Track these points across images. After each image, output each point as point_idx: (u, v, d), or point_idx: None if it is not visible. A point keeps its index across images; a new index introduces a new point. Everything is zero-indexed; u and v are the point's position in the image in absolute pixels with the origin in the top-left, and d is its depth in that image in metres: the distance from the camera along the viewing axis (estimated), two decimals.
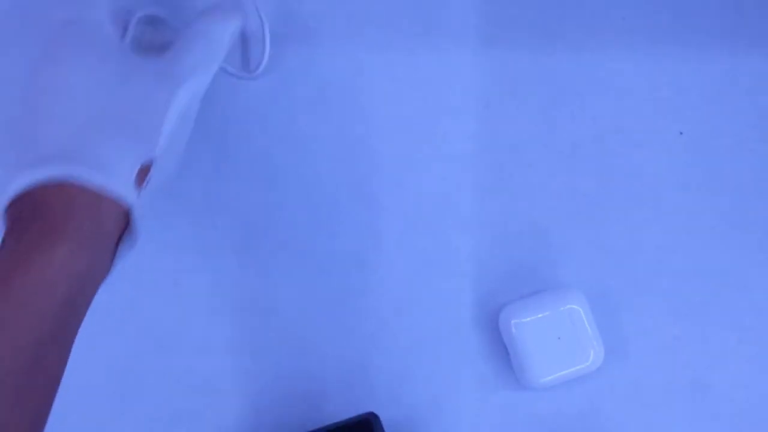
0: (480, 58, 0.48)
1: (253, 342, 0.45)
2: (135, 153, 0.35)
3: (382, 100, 0.47)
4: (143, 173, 0.35)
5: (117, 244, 0.35)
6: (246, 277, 0.46)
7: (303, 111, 0.47)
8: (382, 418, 0.43)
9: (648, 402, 0.47)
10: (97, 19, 0.38)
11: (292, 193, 0.46)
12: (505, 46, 0.48)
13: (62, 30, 0.38)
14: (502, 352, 0.46)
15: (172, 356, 0.45)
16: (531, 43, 0.48)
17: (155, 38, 0.44)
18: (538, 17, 0.48)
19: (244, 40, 0.45)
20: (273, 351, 0.46)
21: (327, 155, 0.46)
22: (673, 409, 0.47)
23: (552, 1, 0.48)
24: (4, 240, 0.32)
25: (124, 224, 0.35)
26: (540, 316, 0.44)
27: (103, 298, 0.35)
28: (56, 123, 0.34)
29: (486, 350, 0.47)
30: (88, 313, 0.34)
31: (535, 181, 0.48)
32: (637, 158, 0.48)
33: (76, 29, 0.38)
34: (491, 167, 0.48)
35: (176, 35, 0.40)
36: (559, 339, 0.44)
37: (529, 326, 0.44)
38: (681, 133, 0.49)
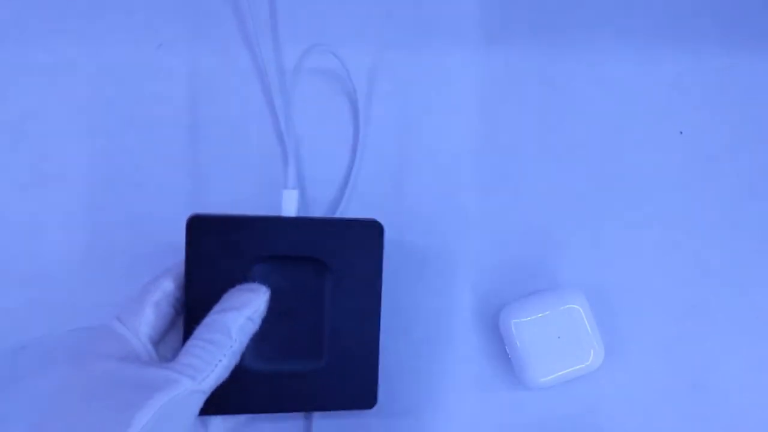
0: (480, 57, 0.48)
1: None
2: None
3: (383, 99, 0.47)
4: None
5: None
6: None
7: (303, 111, 0.47)
8: (382, 417, 0.44)
9: (648, 402, 0.47)
10: (114, 328, 0.37)
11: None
12: (506, 46, 0.48)
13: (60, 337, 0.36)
14: (502, 352, 0.46)
15: None
16: (531, 43, 0.48)
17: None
18: (539, 17, 0.48)
19: None
20: None
21: (327, 155, 0.46)
22: (673, 409, 0.47)
23: (552, 1, 0.48)
24: None
25: None
26: (540, 315, 0.44)
27: None
28: None
29: (486, 350, 0.47)
30: None
31: (535, 181, 0.48)
32: (637, 158, 0.48)
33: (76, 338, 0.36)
34: (491, 167, 0.48)
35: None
36: (559, 339, 0.44)
37: (529, 326, 0.44)
38: (681, 133, 0.49)
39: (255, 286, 0.38)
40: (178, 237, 0.45)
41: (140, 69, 0.45)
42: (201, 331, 0.36)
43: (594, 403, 0.47)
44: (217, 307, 0.37)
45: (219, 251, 0.38)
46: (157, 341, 0.38)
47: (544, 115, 0.48)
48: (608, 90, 0.49)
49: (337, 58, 0.45)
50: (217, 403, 0.37)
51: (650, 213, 0.48)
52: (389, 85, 0.47)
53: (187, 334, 0.37)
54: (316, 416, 0.45)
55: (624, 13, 0.49)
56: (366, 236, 0.40)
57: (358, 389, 0.41)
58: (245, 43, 0.46)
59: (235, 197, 0.46)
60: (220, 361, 0.35)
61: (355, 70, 0.47)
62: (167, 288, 0.38)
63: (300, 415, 0.45)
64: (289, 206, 0.40)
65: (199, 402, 0.34)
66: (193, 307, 0.38)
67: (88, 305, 0.44)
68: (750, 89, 0.49)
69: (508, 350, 0.45)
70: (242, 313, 0.36)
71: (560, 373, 0.44)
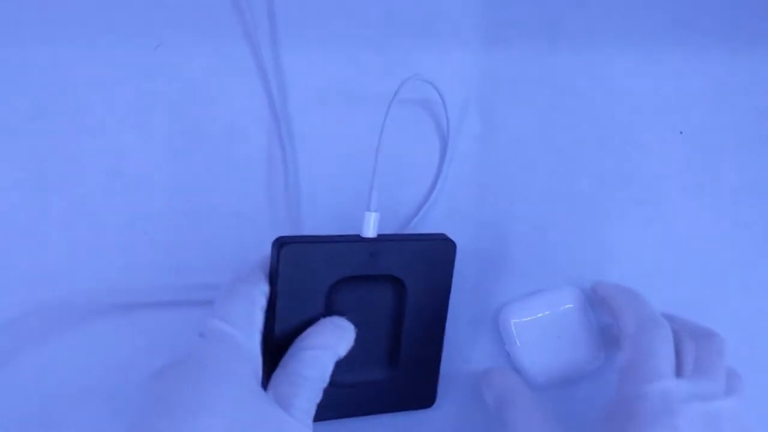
0: (480, 57, 0.48)
1: None
2: None
3: (382, 99, 0.47)
4: None
5: None
6: None
7: (302, 111, 0.47)
8: (382, 416, 0.44)
9: None
10: (239, 341, 0.34)
11: (291, 193, 0.46)
12: (506, 46, 0.48)
13: (197, 351, 0.33)
14: (502, 352, 0.46)
15: None
16: (531, 43, 0.48)
17: None
18: (539, 17, 0.48)
19: None
20: None
21: (326, 155, 0.46)
22: None
23: (552, 0, 0.48)
24: None
25: None
26: (539, 315, 0.44)
27: None
28: None
29: (486, 350, 0.47)
30: None
31: (535, 181, 0.48)
32: (637, 158, 0.48)
33: (214, 353, 0.34)
34: (492, 167, 0.48)
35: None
36: (559, 338, 0.44)
37: (528, 326, 0.44)
38: (681, 133, 0.49)
39: (345, 323, 0.39)
40: (176, 236, 0.45)
41: (138, 69, 0.45)
42: (305, 368, 0.36)
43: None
44: (312, 341, 0.37)
45: (304, 272, 0.40)
46: None
47: (545, 114, 0.48)
48: (609, 90, 0.49)
49: (434, 88, 0.45)
50: None
51: (650, 212, 0.48)
52: (389, 85, 0.47)
53: (270, 348, 0.38)
54: None
55: (625, 12, 0.49)
56: (440, 252, 0.42)
57: (421, 391, 0.44)
58: (247, 43, 0.46)
59: (235, 197, 0.46)
60: (318, 400, 0.36)
61: (355, 69, 0.47)
62: (267, 292, 0.38)
63: None
64: (370, 227, 0.41)
65: None
66: (279, 322, 0.39)
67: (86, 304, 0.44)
68: (751, 89, 0.49)
69: (508, 350, 0.45)
70: (338, 353, 0.37)
71: (560, 372, 0.44)
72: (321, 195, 0.46)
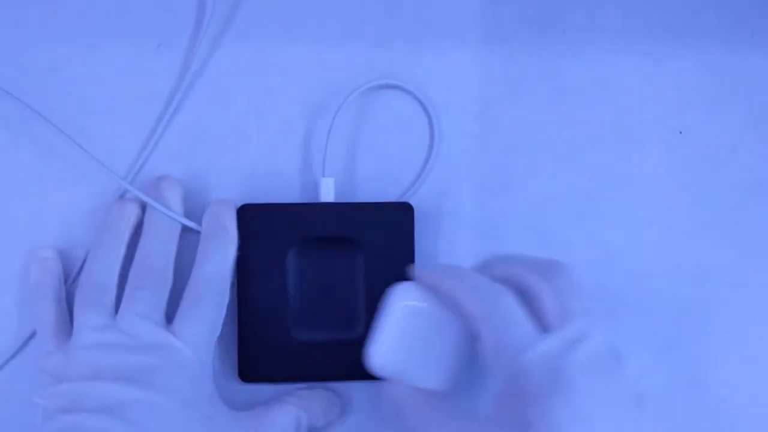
0: (480, 57, 0.48)
1: None
2: None
3: (382, 99, 0.47)
4: None
5: None
6: None
7: (301, 111, 0.47)
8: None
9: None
10: (201, 362, 0.39)
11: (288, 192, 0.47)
12: (505, 46, 0.48)
13: (159, 377, 0.37)
14: None
15: None
16: (531, 42, 0.48)
17: None
18: (539, 16, 0.48)
19: None
20: None
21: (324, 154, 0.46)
22: (671, 409, 0.47)
23: (552, 0, 0.48)
24: None
25: None
26: (392, 333, 0.38)
27: None
28: None
29: None
30: None
31: (534, 180, 0.48)
32: (636, 158, 0.48)
33: (162, 361, 0.37)
34: (490, 166, 0.48)
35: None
36: (427, 340, 0.38)
37: (394, 351, 0.38)
38: (681, 133, 0.49)
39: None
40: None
41: (139, 69, 0.46)
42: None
43: None
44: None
45: (264, 233, 0.43)
46: None
47: (543, 114, 0.48)
48: (608, 89, 0.49)
49: (407, 91, 0.47)
50: (264, 373, 0.43)
51: (649, 212, 0.48)
52: (390, 83, 0.47)
53: (242, 312, 0.43)
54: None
55: (625, 12, 0.49)
56: (398, 216, 0.44)
57: None
58: (246, 42, 0.47)
59: (235, 196, 0.46)
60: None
61: (354, 68, 0.47)
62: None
63: None
64: (327, 192, 0.44)
65: None
66: (243, 286, 0.43)
67: None
68: (751, 89, 0.49)
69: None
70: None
71: (455, 366, 0.38)
72: (317, 191, 0.46)
